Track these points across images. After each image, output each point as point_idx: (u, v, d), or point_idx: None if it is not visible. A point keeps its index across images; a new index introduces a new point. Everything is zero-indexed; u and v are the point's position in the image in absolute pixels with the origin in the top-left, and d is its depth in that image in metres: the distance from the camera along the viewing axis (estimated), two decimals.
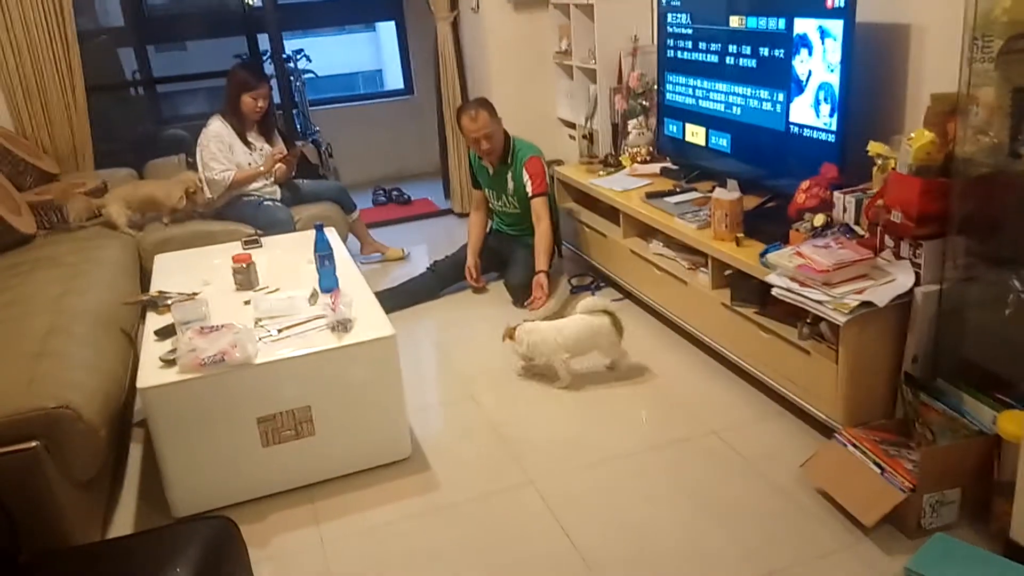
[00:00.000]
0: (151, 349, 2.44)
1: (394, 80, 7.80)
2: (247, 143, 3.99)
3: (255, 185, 3.99)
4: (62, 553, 1.93)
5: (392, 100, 6.70)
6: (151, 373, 2.29)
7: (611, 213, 3.69)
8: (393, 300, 3.59)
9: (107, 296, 2.94)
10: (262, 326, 2.57)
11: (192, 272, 3.05)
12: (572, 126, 4.53)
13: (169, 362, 2.32)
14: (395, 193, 5.75)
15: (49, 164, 4.11)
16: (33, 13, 4.04)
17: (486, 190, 3.92)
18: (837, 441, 2.29)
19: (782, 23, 2.88)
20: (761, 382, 2.77)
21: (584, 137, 4.18)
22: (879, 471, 2.14)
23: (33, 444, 1.96)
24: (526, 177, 3.65)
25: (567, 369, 3.00)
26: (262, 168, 3.95)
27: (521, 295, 3.70)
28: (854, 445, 2.24)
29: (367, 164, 6.15)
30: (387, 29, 9.00)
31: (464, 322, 3.65)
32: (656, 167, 3.73)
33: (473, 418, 2.87)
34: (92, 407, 2.14)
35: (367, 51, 10.06)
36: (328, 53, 6.71)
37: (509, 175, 3.72)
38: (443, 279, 3.92)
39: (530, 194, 3.65)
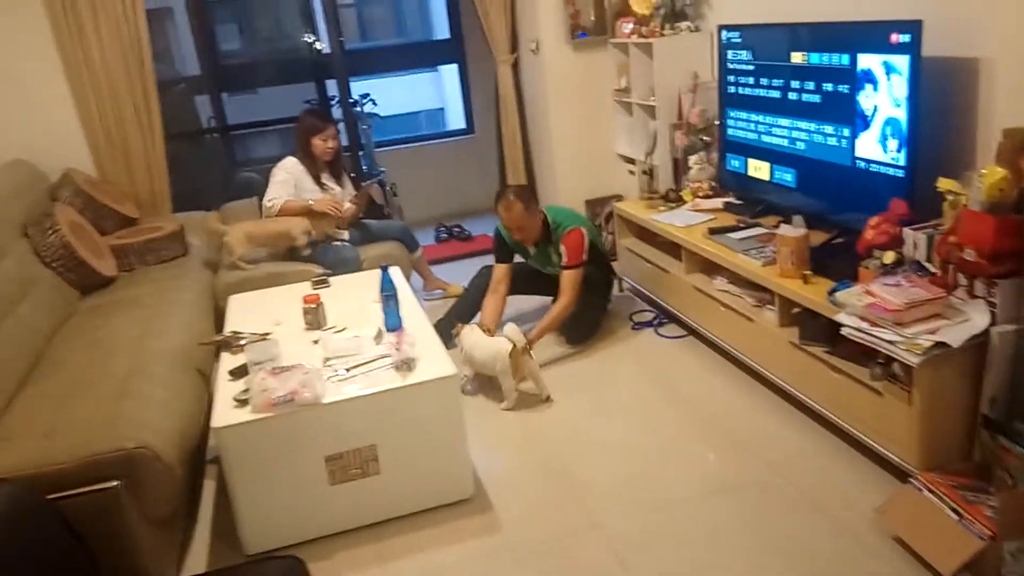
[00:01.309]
0: (225, 389, 2.52)
1: (455, 119, 7.95)
2: (320, 184, 4.12)
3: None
4: None
5: (454, 140, 6.83)
6: (225, 413, 2.37)
7: (672, 248, 3.67)
8: (445, 327, 3.61)
9: (184, 337, 3.06)
10: (330, 365, 2.63)
11: (264, 312, 3.15)
12: (631, 161, 4.55)
13: (242, 402, 2.40)
14: (456, 230, 5.83)
15: (129, 209, 4.31)
16: (115, 64, 4.26)
17: (531, 261, 3.87)
18: (912, 486, 2.22)
19: (846, 59, 2.85)
20: (830, 422, 2.70)
21: (644, 173, 4.18)
22: (957, 517, 2.06)
23: (114, 484, 2.04)
24: (563, 249, 3.59)
25: (510, 388, 3.20)
26: (312, 203, 4.01)
27: (574, 337, 3.69)
28: (930, 490, 2.16)
29: (429, 202, 6.26)
30: (449, 70, 9.22)
31: None
32: (719, 202, 3.70)
33: (534, 456, 2.87)
34: (169, 447, 2.22)
35: (430, 90, 10.31)
36: (392, 93, 6.90)
37: (551, 251, 3.69)
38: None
39: (563, 264, 3.59)
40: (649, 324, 3.83)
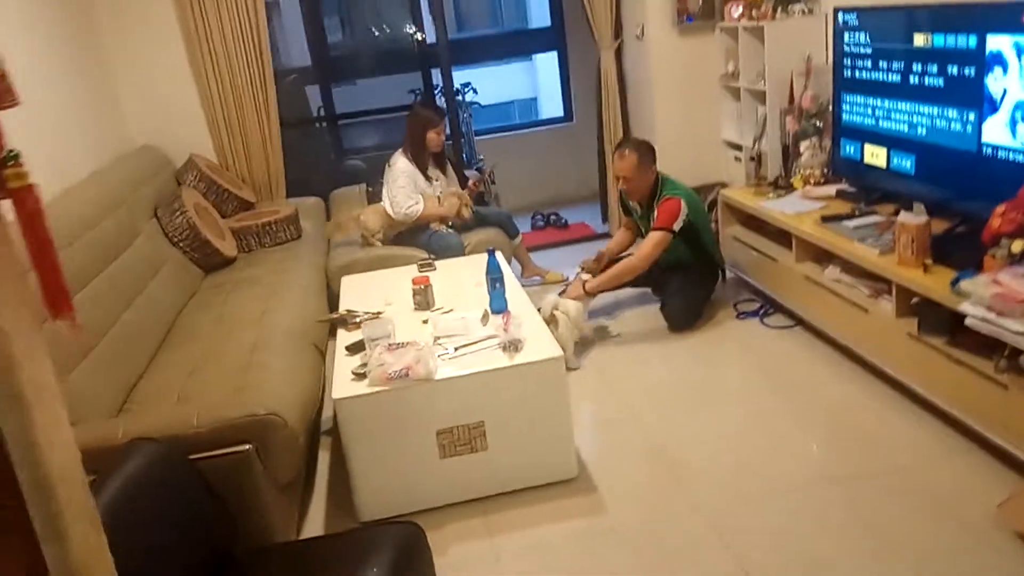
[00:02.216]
0: (343, 363, 2.64)
1: (550, 108, 7.97)
2: (427, 177, 4.22)
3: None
4: (271, 549, 2.12)
5: (551, 128, 6.85)
6: (344, 385, 2.48)
7: (780, 237, 3.60)
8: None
9: (301, 314, 3.21)
10: (440, 344, 2.71)
11: (375, 293, 3.27)
12: (738, 148, 4.47)
13: (360, 375, 2.50)
14: (553, 217, 5.86)
15: (248, 193, 4.53)
16: (237, 57, 4.49)
17: (638, 223, 3.92)
18: None
19: (973, 40, 2.73)
20: (949, 416, 2.61)
21: (752, 159, 4.11)
22: None
23: (246, 447, 2.17)
24: (655, 213, 3.60)
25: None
26: (443, 211, 4.13)
27: (678, 324, 3.68)
28: None
29: (526, 190, 6.30)
30: (543, 59, 9.24)
31: (625, 344, 3.67)
32: (831, 189, 3.60)
33: (637, 441, 2.88)
34: (294, 415, 2.35)
35: (523, 80, 10.36)
36: (487, 83, 7.01)
37: (653, 216, 3.71)
38: None
39: (652, 225, 3.60)
40: (754, 314, 3.77)
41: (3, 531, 1.00)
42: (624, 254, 3.95)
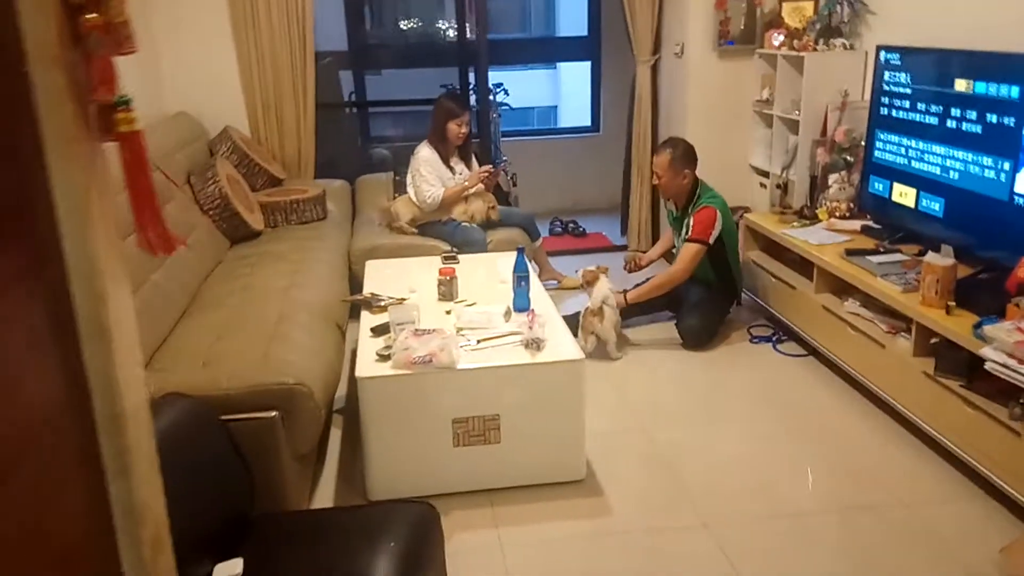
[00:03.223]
0: (368, 344, 2.67)
1: (573, 117, 7.99)
2: (450, 167, 4.27)
3: (460, 213, 4.23)
4: (286, 516, 2.15)
5: (576, 136, 6.90)
6: (368, 365, 2.52)
7: (800, 266, 3.63)
8: (572, 327, 3.69)
9: (325, 292, 3.24)
10: (463, 335, 2.75)
11: (399, 279, 3.30)
12: (764, 174, 4.51)
13: (384, 357, 2.54)
14: (571, 225, 5.91)
15: (278, 170, 4.56)
16: (279, 32, 4.52)
17: (672, 223, 3.99)
18: None
19: (1015, 91, 2.77)
20: (958, 459, 2.64)
21: (778, 187, 4.15)
22: None
23: (272, 413, 2.21)
24: (691, 222, 3.66)
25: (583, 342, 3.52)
26: (467, 183, 4.20)
27: (693, 341, 3.72)
28: None
29: (547, 195, 6.34)
30: (568, 68, 9.27)
31: (638, 359, 3.70)
32: (856, 224, 3.64)
33: (646, 452, 2.91)
34: (318, 387, 2.38)
35: (546, 88, 10.41)
36: (512, 87, 7.06)
37: (687, 221, 3.76)
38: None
39: (686, 236, 3.66)
40: (768, 339, 3.80)
41: (73, 463, 1.03)
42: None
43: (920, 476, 2.69)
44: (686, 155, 3.73)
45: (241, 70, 4.59)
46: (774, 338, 3.80)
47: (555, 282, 4.71)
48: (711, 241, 3.63)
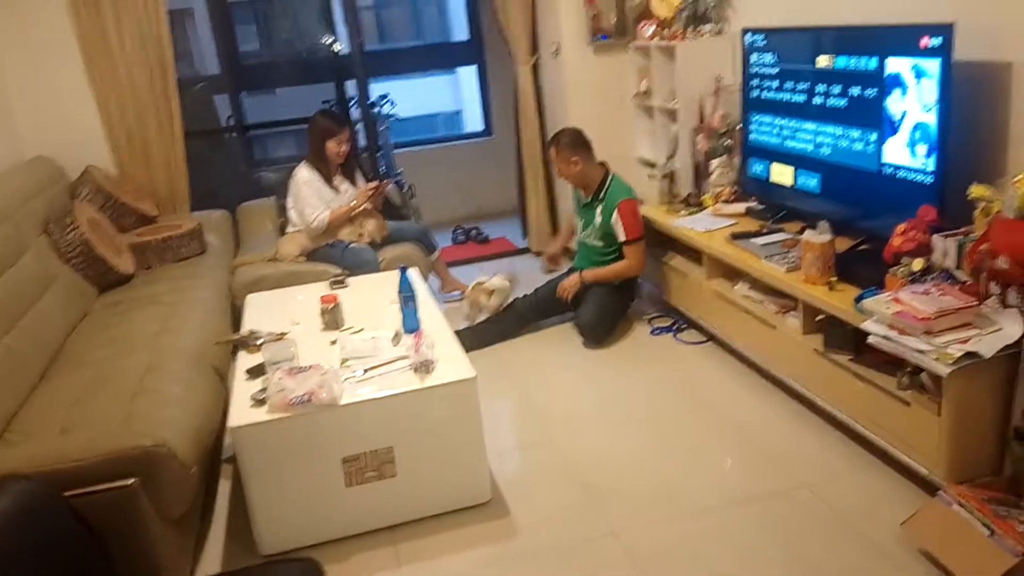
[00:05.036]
0: (242, 388, 2.51)
1: (473, 122, 7.92)
2: (332, 187, 4.10)
3: (347, 234, 4.08)
4: None
5: (471, 142, 6.81)
6: (242, 412, 2.35)
7: (692, 254, 3.63)
8: (473, 339, 3.61)
9: (201, 335, 3.04)
10: (348, 366, 2.61)
11: (282, 311, 3.13)
12: (652, 166, 4.50)
13: (259, 401, 2.38)
14: (474, 232, 5.82)
15: (148, 207, 4.31)
16: (136, 62, 4.27)
17: (576, 217, 3.95)
18: (941, 499, 2.17)
19: (874, 63, 2.81)
20: (855, 432, 2.65)
21: (664, 177, 4.14)
22: (988, 532, 2.01)
23: (130, 481, 2.02)
24: (618, 222, 3.66)
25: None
26: (354, 203, 4.05)
27: (591, 335, 3.68)
28: (960, 504, 2.11)
29: (447, 204, 6.24)
30: (467, 72, 9.20)
31: (543, 363, 3.63)
32: (741, 207, 3.66)
33: (553, 463, 2.84)
34: (186, 445, 2.21)
35: (447, 92, 10.31)
36: (410, 95, 6.93)
37: (598, 210, 3.74)
38: (523, 318, 3.92)
39: (623, 239, 3.69)
40: (668, 329, 3.79)
41: None
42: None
43: (822, 454, 2.69)
44: (573, 142, 3.74)
45: (99, 105, 4.33)
46: (674, 328, 3.78)
47: (459, 293, 4.59)
48: (642, 232, 3.72)
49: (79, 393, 2.54)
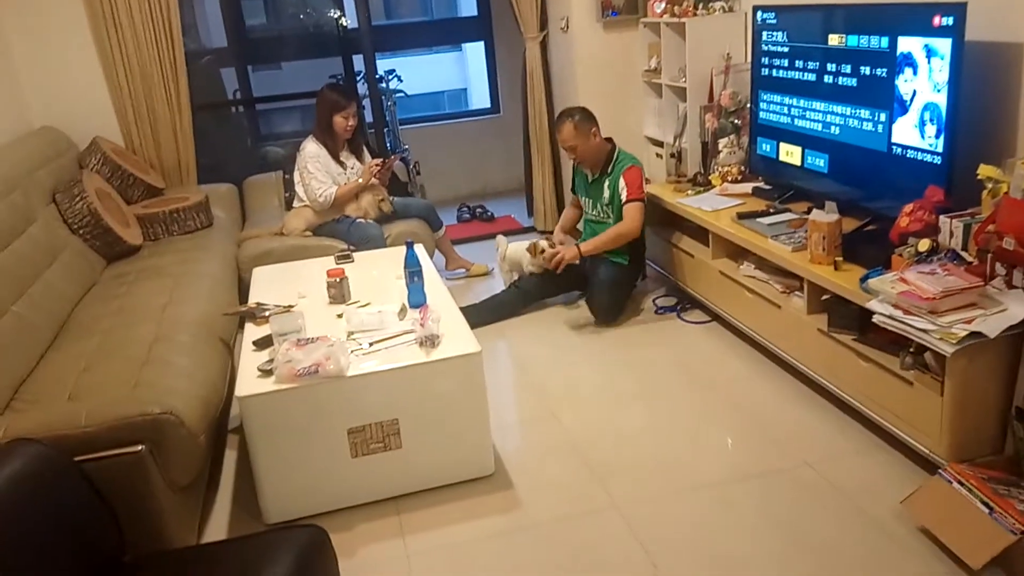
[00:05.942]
0: (249, 359, 2.52)
1: (479, 99, 7.89)
2: (339, 162, 4.10)
3: (354, 210, 4.09)
4: (163, 555, 2.00)
5: (478, 119, 6.78)
6: (249, 382, 2.37)
7: (699, 233, 3.63)
8: (477, 316, 3.62)
9: (208, 306, 3.06)
10: (354, 339, 2.62)
11: (288, 285, 3.15)
12: (659, 144, 4.49)
13: (266, 372, 2.40)
14: (479, 210, 5.81)
15: (155, 179, 4.32)
16: (145, 36, 4.26)
17: (583, 198, 3.93)
18: (942, 477, 2.18)
19: (885, 42, 2.79)
20: (858, 412, 2.67)
21: (672, 156, 4.14)
22: (987, 511, 2.03)
23: (139, 448, 2.05)
24: (623, 184, 3.64)
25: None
26: (361, 181, 4.05)
27: (604, 315, 3.68)
28: (960, 482, 2.12)
29: (452, 181, 6.23)
30: (473, 49, 9.14)
31: (547, 340, 3.65)
32: (748, 186, 3.65)
33: (556, 437, 2.86)
34: (193, 414, 2.23)
35: (453, 70, 10.25)
36: (416, 72, 6.88)
37: (606, 184, 3.72)
38: (527, 296, 3.93)
39: (624, 199, 3.64)
40: (673, 309, 3.79)
41: None
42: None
43: (825, 433, 2.71)
44: (587, 117, 3.71)
45: (107, 76, 4.33)
46: (678, 307, 3.79)
47: (463, 270, 4.61)
48: (644, 196, 3.66)
49: (87, 361, 2.56)
